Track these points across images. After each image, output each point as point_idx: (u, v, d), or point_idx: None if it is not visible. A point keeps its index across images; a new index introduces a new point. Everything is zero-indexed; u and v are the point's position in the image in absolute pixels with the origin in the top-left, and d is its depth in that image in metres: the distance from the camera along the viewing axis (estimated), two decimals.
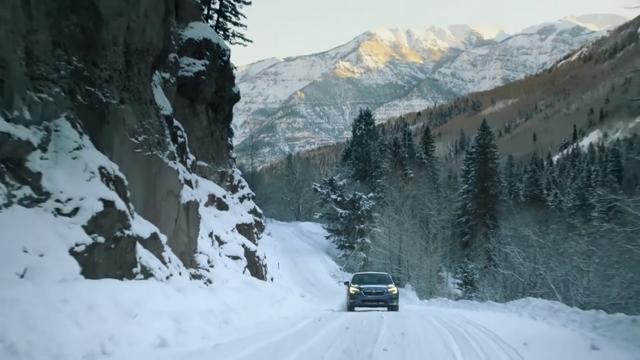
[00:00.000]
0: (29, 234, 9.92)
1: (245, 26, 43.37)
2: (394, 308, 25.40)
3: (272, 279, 33.40)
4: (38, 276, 9.29)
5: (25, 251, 9.59)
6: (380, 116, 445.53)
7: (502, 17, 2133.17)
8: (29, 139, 10.74)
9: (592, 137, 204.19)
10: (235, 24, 42.48)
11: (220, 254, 23.52)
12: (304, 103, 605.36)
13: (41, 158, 11.13)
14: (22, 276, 9.17)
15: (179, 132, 21.06)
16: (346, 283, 29.78)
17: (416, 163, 79.62)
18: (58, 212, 10.99)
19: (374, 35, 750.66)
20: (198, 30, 27.55)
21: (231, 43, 43.11)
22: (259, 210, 36.71)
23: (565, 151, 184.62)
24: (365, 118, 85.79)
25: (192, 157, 24.07)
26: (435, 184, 78.96)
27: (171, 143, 17.21)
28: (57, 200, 11.05)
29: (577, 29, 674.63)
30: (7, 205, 10.04)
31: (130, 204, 13.15)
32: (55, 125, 11.87)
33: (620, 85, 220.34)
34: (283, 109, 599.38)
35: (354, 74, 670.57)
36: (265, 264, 31.88)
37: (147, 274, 13.03)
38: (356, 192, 62.85)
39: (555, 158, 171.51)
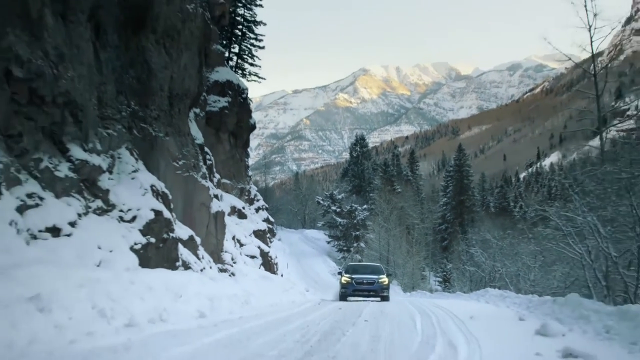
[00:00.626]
0: (101, 235, 11.33)
1: (260, 66, 44.25)
2: (384, 298, 23.02)
3: (282, 275, 34.35)
4: (109, 266, 10.72)
5: (99, 247, 11.02)
6: (373, 139, 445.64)
7: (477, 56, 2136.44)
8: (100, 164, 12.19)
9: (553, 157, 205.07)
10: (251, 64, 43.22)
11: (241, 254, 24.63)
12: (309, 128, 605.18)
13: (109, 178, 12.56)
14: (98, 265, 10.61)
15: (208, 157, 22.38)
16: (339, 273, 26.98)
17: (403, 180, 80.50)
18: (121, 219, 12.42)
19: (369, 71, 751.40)
20: (222, 73, 28.83)
21: (248, 80, 43.92)
22: (271, 219, 37.36)
23: (530, 169, 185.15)
24: (360, 142, 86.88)
25: (217, 176, 25.26)
26: (419, 197, 79.85)
27: (203, 165, 18.64)
28: (120, 210, 12.48)
29: (540, 66, 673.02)
30: (85, 214, 11.48)
31: (173, 213, 14.54)
32: (118, 154, 13.31)
33: (576, 114, 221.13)
34: (291, 133, 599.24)
35: (351, 103, 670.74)
36: (277, 263, 32.61)
37: (186, 266, 14.42)
38: (352, 205, 63.08)
39: (521, 175, 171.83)
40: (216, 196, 20.42)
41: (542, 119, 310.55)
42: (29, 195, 10.36)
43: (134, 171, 13.31)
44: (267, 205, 37.62)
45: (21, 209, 9.96)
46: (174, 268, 13.51)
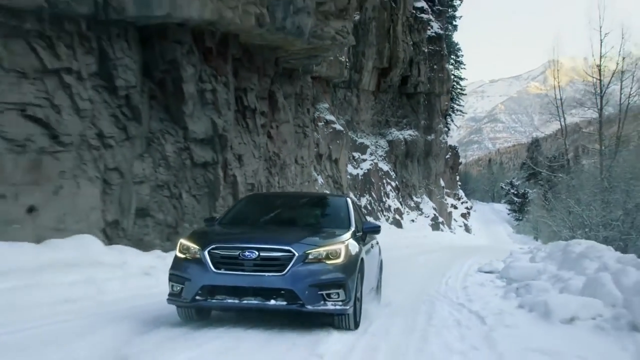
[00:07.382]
0: (422, 226, 33.44)
1: (463, 106, 58.77)
2: (351, 323, 5.00)
3: (474, 234, 51.74)
4: (424, 228, 32.82)
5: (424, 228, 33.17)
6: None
7: None
8: (421, 205, 34.38)
9: None
10: (458, 105, 55.66)
11: (455, 226, 44.97)
12: (503, 112, 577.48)
13: (422, 205, 34.68)
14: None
15: (443, 185, 43.36)
16: (215, 221, 6.06)
17: (570, 169, 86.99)
18: (425, 216, 34.45)
19: (558, 61, 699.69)
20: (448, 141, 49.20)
21: (456, 115, 55.81)
22: (469, 206, 52.05)
23: None
24: (535, 142, 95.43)
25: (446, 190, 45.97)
26: (580, 181, 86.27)
27: (444, 189, 39.94)
28: (424, 214, 34.51)
29: None
30: (416, 217, 33.80)
31: (437, 214, 36.09)
32: (423, 198, 35.35)
33: None
34: (487, 117, 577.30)
35: (541, 90, 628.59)
36: (471, 227, 50.95)
37: (441, 230, 35.82)
38: (526, 189, 71.84)
39: None
40: (446, 202, 41.47)
41: None
42: None
43: (425, 202, 35.00)
44: (467, 200, 52.89)
45: None
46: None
